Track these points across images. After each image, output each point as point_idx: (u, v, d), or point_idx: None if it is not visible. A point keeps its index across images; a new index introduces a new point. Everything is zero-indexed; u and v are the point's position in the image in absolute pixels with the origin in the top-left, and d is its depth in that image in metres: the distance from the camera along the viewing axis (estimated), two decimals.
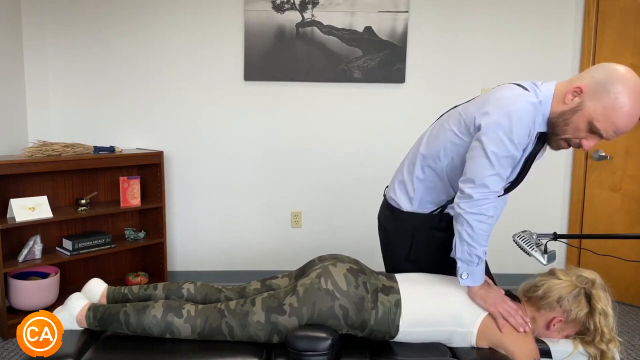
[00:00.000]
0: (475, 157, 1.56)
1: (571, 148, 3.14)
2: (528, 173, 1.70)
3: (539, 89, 1.55)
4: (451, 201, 1.79)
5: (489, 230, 1.61)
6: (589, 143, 1.52)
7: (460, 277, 1.63)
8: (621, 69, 1.42)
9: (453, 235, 1.83)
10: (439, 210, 1.83)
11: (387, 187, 2.02)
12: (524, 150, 1.58)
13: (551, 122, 1.55)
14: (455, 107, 1.80)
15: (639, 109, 1.43)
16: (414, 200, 1.82)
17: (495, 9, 3.31)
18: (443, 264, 1.89)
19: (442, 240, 1.86)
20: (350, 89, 3.36)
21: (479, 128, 1.57)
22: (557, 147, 1.61)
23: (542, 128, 1.56)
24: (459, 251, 1.62)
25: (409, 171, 1.84)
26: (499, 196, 1.61)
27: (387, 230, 1.94)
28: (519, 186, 1.77)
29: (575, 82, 1.50)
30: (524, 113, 1.50)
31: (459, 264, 1.63)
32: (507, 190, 1.72)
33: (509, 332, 1.60)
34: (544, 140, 1.60)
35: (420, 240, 1.85)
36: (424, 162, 1.78)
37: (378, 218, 2.01)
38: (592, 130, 1.48)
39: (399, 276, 1.77)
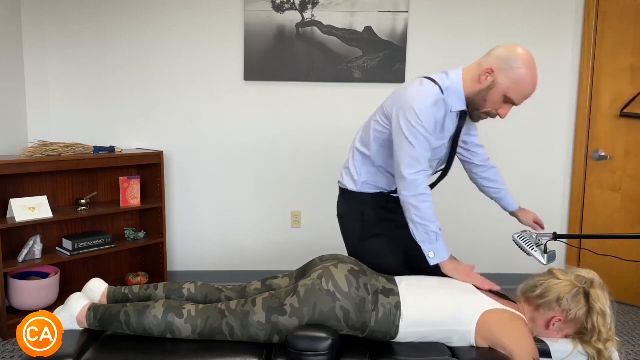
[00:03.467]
0: (397, 144, 1.78)
1: (569, 147, 3.14)
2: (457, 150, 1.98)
3: (448, 76, 1.81)
4: (395, 191, 1.93)
5: (432, 206, 1.78)
6: (504, 111, 1.78)
7: (429, 257, 1.78)
8: (519, 49, 1.73)
9: (402, 216, 1.95)
10: (385, 193, 1.97)
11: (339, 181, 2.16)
12: (444, 130, 1.82)
13: (470, 100, 1.79)
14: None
15: (535, 76, 1.73)
16: (357, 183, 1.98)
17: (496, 9, 3.31)
18: (397, 245, 1.96)
19: (391, 221, 1.96)
20: (350, 89, 3.36)
21: (394, 118, 1.79)
22: (477, 120, 1.86)
23: (461, 107, 1.81)
24: (417, 235, 1.78)
25: (352, 158, 2.02)
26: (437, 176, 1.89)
27: (342, 215, 2.09)
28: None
29: (484, 64, 1.75)
30: (427, 102, 1.74)
31: (422, 247, 1.78)
32: (446, 170, 1.98)
33: (507, 331, 1.61)
34: (465, 118, 1.85)
35: (369, 219, 1.96)
36: (360, 149, 1.98)
37: (337, 213, 2.14)
38: (507, 101, 1.74)
39: (398, 279, 1.78)
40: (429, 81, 1.80)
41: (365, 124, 2.02)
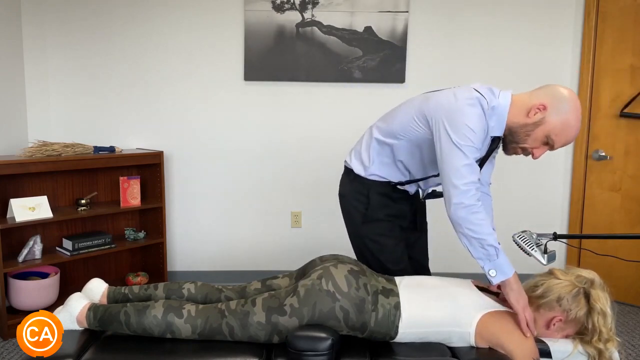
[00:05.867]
0: (447, 153, 1.66)
1: (569, 147, 3.14)
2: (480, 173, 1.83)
3: (495, 96, 1.72)
4: (404, 183, 1.91)
5: (487, 217, 1.67)
6: (539, 152, 1.71)
7: (489, 276, 1.63)
8: (565, 91, 1.66)
9: (406, 208, 1.96)
10: (392, 183, 1.93)
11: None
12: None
13: (512, 131, 1.71)
14: (424, 94, 1.89)
15: (579, 125, 1.67)
16: (367, 169, 1.93)
17: (495, 8, 3.31)
18: (399, 233, 1.96)
19: (395, 210, 1.95)
20: (350, 89, 3.36)
21: (439, 124, 1.68)
22: (512, 153, 1.77)
23: (497, 132, 1.72)
24: (473, 252, 1.64)
25: (367, 145, 1.95)
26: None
27: (344, 195, 2.04)
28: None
29: (534, 99, 1.68)
30: (477, 117, 1.66)
31: (481, 264, 1.64)
32: None
33: (507, 331, 1.61)
34: (497, 143, 1.77)
35: (374, 204, 1.93)
36: (380, 139, 1.90)
37: (338, 191, 2.10)
38: (546, 142, 1.68)
39: (397, 279, 1.78)
40: (478, 95, 1.70)
41: (390, 115, 1.93)
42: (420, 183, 1.96)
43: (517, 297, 1.63)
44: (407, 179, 1.93)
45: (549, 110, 1.64)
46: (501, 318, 1.63)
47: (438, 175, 1.81)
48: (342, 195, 2.07)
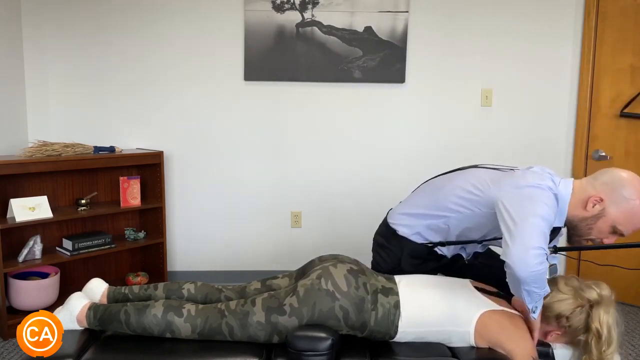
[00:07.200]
0: (522, 218, 1.54)
1: (569, 147, 3.13)
2: None
3: (556, 184, 1.66)
4: (443, 244, 1.88)
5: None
6: (609, 241, 1.66)
7: (532, 313, 1.60)
8: (624, 175, 1.60)
9: (433, 263, 1.93)
10: (430, 244, 1.91)
11: (390, 209, 2.08)
12: None
13: (573, 225, 1.68)
14: (476, 166, 1.88)
15: None
16: (412, 230, 1.92)
17: (495, 8, 3.31)
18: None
19: (422, 267, 1.93)
20: (350, 89, 3.36)
21: (509, 205, 1.60)
22: (579, 244, 1.74)
23: (558, 223, 1.66)
24: (530, 302, 1.57)
25: (415, 215, 1.92)
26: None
27: (380, 244, 2.03)
28: None
29: (590, 189, 1.63)
30: (551, 213, 1.59)
31: (529, 306, 1.58)
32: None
33: (507, 331, 1.61)
34: (556, 234, 1.71)
35: (404, 265, 1.92)
36: (434, 213, 1.87)
37: (375, 234, 2.08)
38: (614, 232, 1.63)
39: (397, 278, 1.78)
40: (551, 194, 1.63)
41: (445, 189, 1.88)
42: (465, 247, 1.93)
43: (536, 325, 1.64)
44: (447, 239, 1.89)
45: (606, 202, 1.60)
46: (500, 317, 1.63)
47: (480, 242, 1.84)
48: (376, 242, 2.06)
